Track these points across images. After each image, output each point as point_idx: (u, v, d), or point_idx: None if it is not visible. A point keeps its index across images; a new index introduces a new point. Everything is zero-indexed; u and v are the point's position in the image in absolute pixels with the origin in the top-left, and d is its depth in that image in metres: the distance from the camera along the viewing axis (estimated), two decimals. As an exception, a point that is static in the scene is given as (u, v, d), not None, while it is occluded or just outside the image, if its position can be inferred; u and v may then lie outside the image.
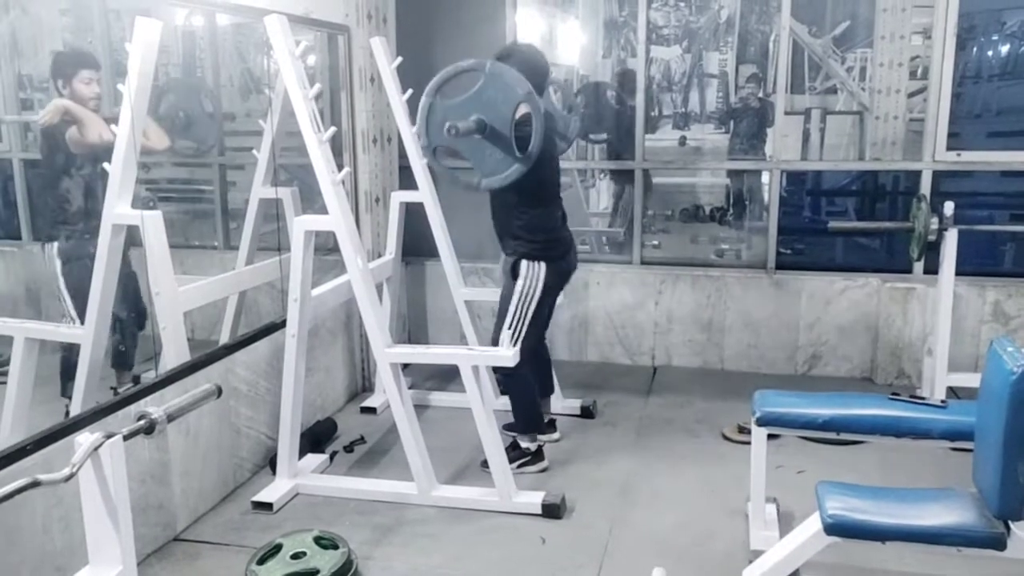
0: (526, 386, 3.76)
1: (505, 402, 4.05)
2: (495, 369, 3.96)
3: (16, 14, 3.86)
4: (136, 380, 3.53)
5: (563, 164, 6.36)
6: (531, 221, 3.59)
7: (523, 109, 3.13)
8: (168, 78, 4.43)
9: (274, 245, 4.08)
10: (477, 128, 3.01)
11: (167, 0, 3.33)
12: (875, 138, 5.48)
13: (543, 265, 3.62)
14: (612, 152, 6.37)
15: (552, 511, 3.33)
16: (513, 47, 3.62)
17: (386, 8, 4.67)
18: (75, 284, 3.40)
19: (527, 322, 3.62)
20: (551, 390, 4.24)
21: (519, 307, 3.61)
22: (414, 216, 4.52)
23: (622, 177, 6.44)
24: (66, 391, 3.38)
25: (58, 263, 3.51)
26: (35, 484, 1.70)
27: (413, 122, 4.26)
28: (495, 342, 3.69)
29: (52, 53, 3.90)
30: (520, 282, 3.62)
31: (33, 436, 2.55)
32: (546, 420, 4.08)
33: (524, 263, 3.62)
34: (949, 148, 4.65)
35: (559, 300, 4.07)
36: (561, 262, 3.71)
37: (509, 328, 3.59)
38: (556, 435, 4.08)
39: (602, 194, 7.81)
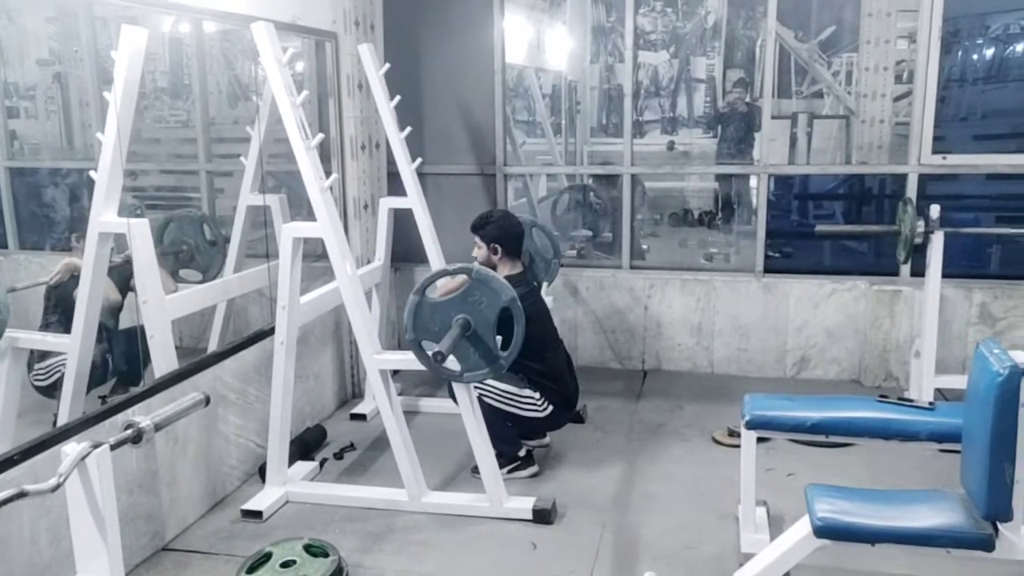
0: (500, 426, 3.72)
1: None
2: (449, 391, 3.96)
3: (2, 22, 3.85)
4: (125, 389, 3.51)
5: (556, 170, 6.42)
6: (542, 369, 3.70)
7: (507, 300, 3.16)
8: (170, 212, 4.45)
9: (262, 252, 4.07)
10: (462, 332, 3.12)
11: (153, 7, 3.32)
12: (861, 142, 5.51)
13: (551, 408, 3.72)
14: (597, 247, 6.48)
15: (543, 516, 3.33)
16: (488, 215, 3.87)
17: (373, 15, 4.67)
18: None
19: (505, 409, 3.65)
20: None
21: (510, 397, 3.66)
22: (403, 222, 4.52)
23: (610, 184, 6.48)
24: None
25: None
26: (22, 495, 1.69)
27: (401, 128, 4.29)
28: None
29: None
30: (528, 389, 3.67)
31: (20, 446, 2.53)
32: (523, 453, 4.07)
33: (540, 393, 3.70)
34: (935, 151, 4.68)
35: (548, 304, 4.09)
36: (564, 413, 3.82)
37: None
38: (546, 440, 4.08)
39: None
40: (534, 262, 4.43)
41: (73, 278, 3.36)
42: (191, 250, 4.22)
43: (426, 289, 3.20)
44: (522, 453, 3.77)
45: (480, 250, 3.82)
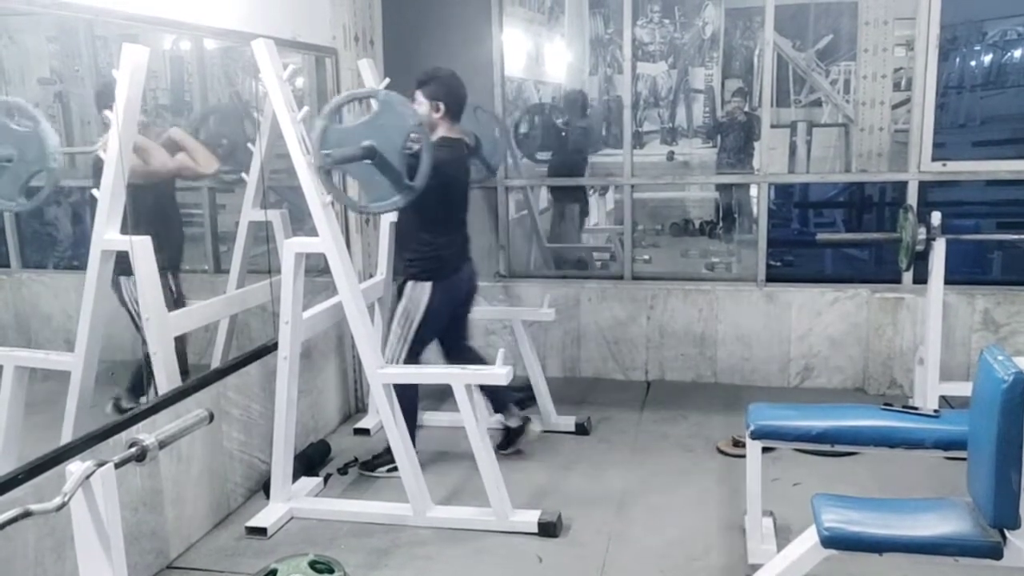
0: (409, 403, 3.73)
1: (500, 420, 4.04)
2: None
3: (3, 42, 3.87)
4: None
5: (555, 182, 6.42)
6: (430, 245, 3.67)
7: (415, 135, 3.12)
8: (211, 103, 4.31)
9: (264, 268, 4.07)
10: (366, 154, 3.06)
11: (155, 26, 3.33)
12: (861, 150, 5.51)
13: (428, 285, 3.68)
14: (555, 170, 6.52)
15: (548, 529, 3.32)
16: (434, 72, 3.75)
17: (373, 30, 4.70)
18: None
19: (407, 343, 3.70)
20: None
21: (401, 327, 3.69)
22: (404, 236, 4.52)
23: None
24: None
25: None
26: (26, 514, 1.69)
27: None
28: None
29: (98, 84, 3.78)
30: (403, 301, 3.69)
31: (24, 465, 2.53)
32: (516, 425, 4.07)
33: (408, 284, 3.69)
34: (934, 158, 4.68)
35: (550, 316, 4.08)
36: (448, 281, 3.75)
37: (389, 348, 3.69)
38: (537, 428, 4.10)
39: (593, 210, 7.83)
40: (480, 144, 4.34)
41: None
42: (231, 145, 4.07)
43: (333, 114, 3.13)
44: (515, 424, 3.83)
45: (421, 106, 3.65)
